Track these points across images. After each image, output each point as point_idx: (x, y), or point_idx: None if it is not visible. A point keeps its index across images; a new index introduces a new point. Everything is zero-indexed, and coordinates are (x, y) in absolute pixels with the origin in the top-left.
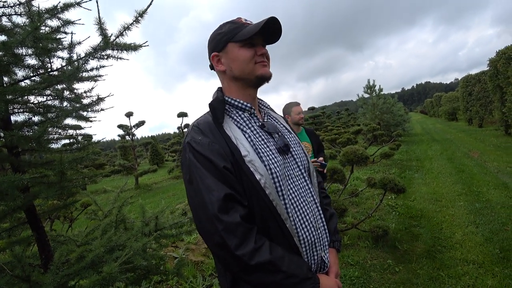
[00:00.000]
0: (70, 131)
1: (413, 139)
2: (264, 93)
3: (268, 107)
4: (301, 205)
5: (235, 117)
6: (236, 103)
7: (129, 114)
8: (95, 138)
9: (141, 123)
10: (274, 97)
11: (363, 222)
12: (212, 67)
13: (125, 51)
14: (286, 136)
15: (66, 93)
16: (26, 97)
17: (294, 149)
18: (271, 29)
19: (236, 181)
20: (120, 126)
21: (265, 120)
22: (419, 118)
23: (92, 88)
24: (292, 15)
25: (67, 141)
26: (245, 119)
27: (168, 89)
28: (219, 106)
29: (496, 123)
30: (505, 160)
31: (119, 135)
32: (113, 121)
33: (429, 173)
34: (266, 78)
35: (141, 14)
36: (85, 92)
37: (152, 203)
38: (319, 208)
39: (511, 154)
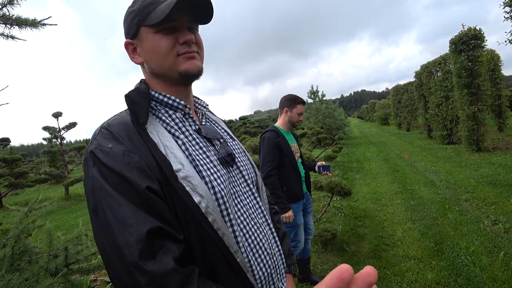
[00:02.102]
0: None
1: (353, 142)
2: (209, 94)
3: (206, 107)
4: (253, 229)
5: (163, 118)
6: (166, 99)
7: (57, 115)
8: (14, 142)
9: (72, 125)
10: (219, 97)
11: None
12: None
13: (17, 27)
14: (228, 143)
15: None
16: None
17: (239, 159)
18: (197, 4)
19: (166, 207)
20: (45, 128)
21: (203, 124)
22: (356, 122)
23: None
24: (241, 19)
25: None
26: (177, 121)
27: (109, 88)
28: (142, 100)
29: (420, 127)
30: (430, 160)
31: (44, 139)
32: (40, 123)
33: (369, 173)
34: (192, 75)
35: None
36: None
37: (84, 216)
38: (273, 229)
39: (434, 155)
